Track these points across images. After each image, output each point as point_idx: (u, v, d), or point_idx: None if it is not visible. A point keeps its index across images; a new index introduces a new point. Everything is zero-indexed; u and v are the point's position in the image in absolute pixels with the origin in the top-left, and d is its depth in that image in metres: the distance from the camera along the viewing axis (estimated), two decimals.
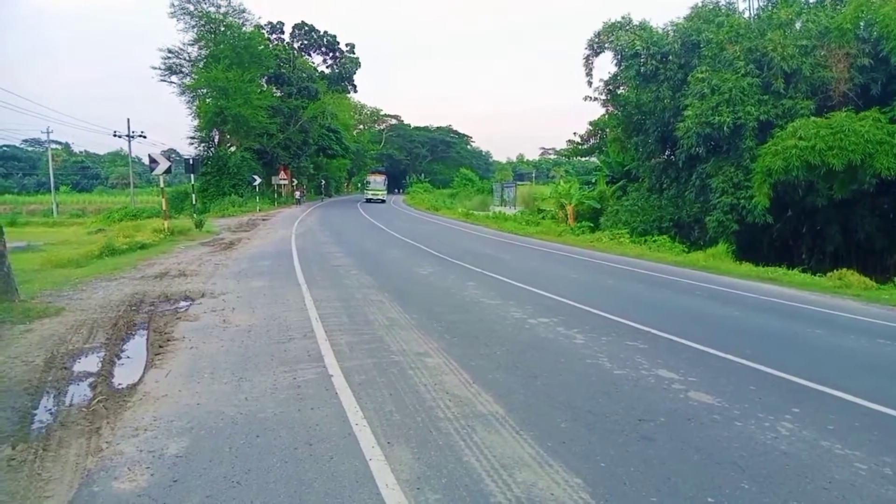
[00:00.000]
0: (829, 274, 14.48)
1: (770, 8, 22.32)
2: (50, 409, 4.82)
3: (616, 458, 4.11)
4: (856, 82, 18.46)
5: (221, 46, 41.81)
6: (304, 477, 3.69)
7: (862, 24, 18.78)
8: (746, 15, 23.50)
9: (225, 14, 42.53)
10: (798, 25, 20.38)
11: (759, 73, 19.42)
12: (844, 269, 14.46)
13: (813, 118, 17.32)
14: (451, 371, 5.89)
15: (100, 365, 5.95)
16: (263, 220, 30.01)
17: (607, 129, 33.25)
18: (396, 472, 3.77)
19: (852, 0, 19.22)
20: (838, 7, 20.45)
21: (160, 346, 6.54)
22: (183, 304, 9.02)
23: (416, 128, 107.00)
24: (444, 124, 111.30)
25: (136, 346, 6.71)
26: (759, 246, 20.45)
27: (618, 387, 5.65)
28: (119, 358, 6.27)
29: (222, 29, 42.59)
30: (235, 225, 25.90)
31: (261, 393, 5.17)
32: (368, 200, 57.40)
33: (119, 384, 5.43)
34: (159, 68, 41.80)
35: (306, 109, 52.21)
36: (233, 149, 44.99)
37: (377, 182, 61.82)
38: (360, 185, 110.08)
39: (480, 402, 5.08)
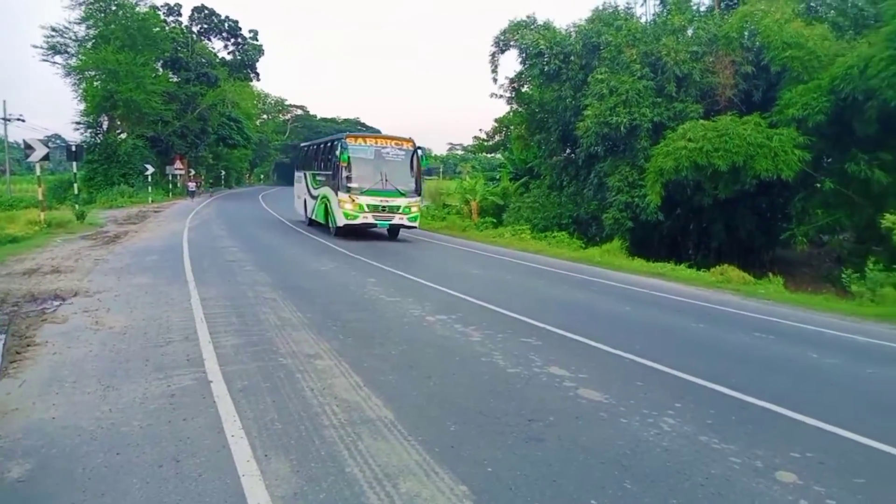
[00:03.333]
0: (712, 269, 15.29)
1: (665, 14, 23.30)
2: None
3: (504, 462, 4.04)
4: (740, 88, 19.57)
5: (112, 26, 39.04)
6: (165, 499, 3.37)
7: (746, 33, 19.92)
8: (643, 20, 24.44)
9: None
10: (690, 32, 21.38)
11: (653, 76, 20.21)
12: (726, 265, 15.31)
13: (701, 121, 18.22)
14: (342, 374, 5.67)
15: None
16: (155, 212, 28.37)
17: (512, 127, 33.77)
18: (271, 488, 3.52)
19: (738, 10, 20.38)
20: (726, 16, 21.62)
21: (17, 353, 5.90)
22: (52, 304, 8.25)
23: (323, 119, 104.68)
24: (352, 116, 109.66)
25: None
26: (650, 242, 21.35)
27: (510, 385, 5.62)
28: None
29: (113, 8, 39.79)
30: (123, 217, 24.31)
31: (128, 403, 4.74)
32: (366, 226, 18.30)
33: None
34: (41, 47, 38.58)
35: (205, 96, 49.77)
36: (123, 136, 42.19)
37: (395, 158, 18.38)
38: (270, 176, 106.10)
39: (370, 406, 4.89)
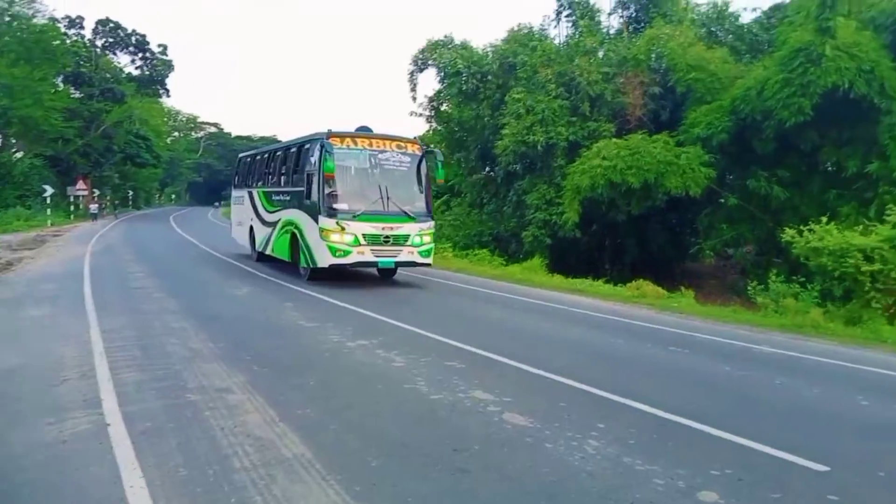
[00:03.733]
0: (628, 284, 15.72)
1: (577, 36, 24.06)
2: None
3: (428, 497, 3.87)
4: (649, 108, 20.41)
5: (6, 39, 36.76)
6: None
7: (653, 56, 20.87)
8: (557, 41, 25.17)
9: (10, 2, 37.43)
10: (601, 54, 22.17)
11: (568, 95, 20.78)
12: (641, 280, 15.78)
13: (614, 140, 18.84)
14: (256, 409, 5.33)
15: None
16: (55, 235, 26.63)
17: (432, 145, 33.86)
18: None
19: (645, 34, 21.35)
20: (634, 39, 22.58)
21: None
22: None
23: (238, 136, 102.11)
24: (268, 134, 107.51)
25: None
26: (568, 258, 21.80)
27: (434, 413, 5.46)
28: None
29: (7, 19, 37.45)
30: (18, 242, 22.59)
31: (11, 454, 4.26)
32: (362, 266, 13.50)
33: None
34: None
35: (111, 113, 47.49)
36: (19, 154, 39.69)
37: (398, 167, 13.68)
38: (182, 196, 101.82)
39: (285, 444, 4.59)
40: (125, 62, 58.15)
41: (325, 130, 13.00)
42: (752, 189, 17.29)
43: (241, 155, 21.85)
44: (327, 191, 12.61)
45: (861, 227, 12.64)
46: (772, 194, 16.91)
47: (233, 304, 10.99)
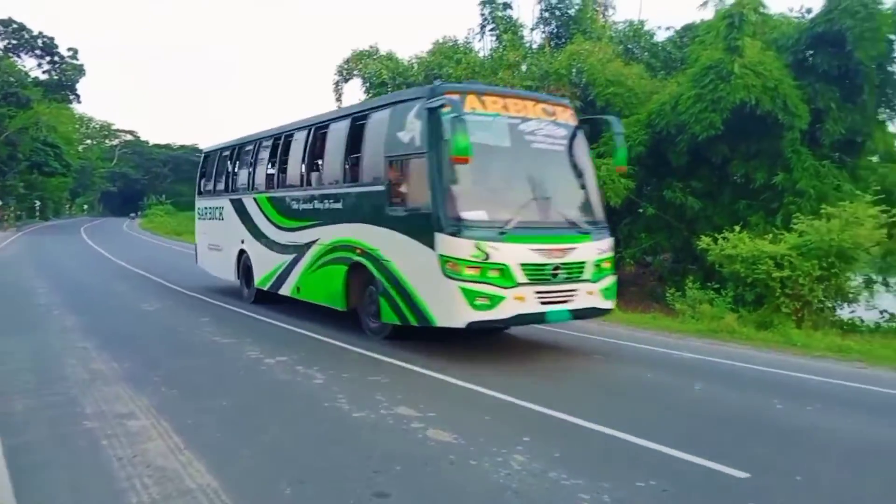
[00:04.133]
0: None
1: (501, 49, 24.33)
2: None
3: None
4: None
5: None
6: None
7: (574, 70, 21.30)
8: (481, 54, 25.38)
9: None
10: (524, 67, 22.48)
11: None
12: None
13: None
14: (160, 435, 4.95)
15: None
16: None
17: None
18: None
19: (566, 49, 21.81)
20: (555, 54, 23.05)
21: None
22: None
23: (156, 145, 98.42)
24: (188, 143, 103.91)
25: None
26: None
27: (355, 433, 5.22)
28: None
29: None
30: None
31: None
32: (520, 322, 8.18)
33: None
34: None
35: (14, 119, 44.66)
36: None
37: (549, 146, 8.23)
38: (95, 207, 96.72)
39: (190, 473, 4.25)
40: (31, 66, 54.90)
41: (430, 86, 8.66)
42: (669, 199, 17.83)
43: (208, 149, 15.61)
44: (452, 188, 7.36)
45: (771, 235, 13.19)
46: (686, 204, 17.49)
47: (143, 319, 10.39)
